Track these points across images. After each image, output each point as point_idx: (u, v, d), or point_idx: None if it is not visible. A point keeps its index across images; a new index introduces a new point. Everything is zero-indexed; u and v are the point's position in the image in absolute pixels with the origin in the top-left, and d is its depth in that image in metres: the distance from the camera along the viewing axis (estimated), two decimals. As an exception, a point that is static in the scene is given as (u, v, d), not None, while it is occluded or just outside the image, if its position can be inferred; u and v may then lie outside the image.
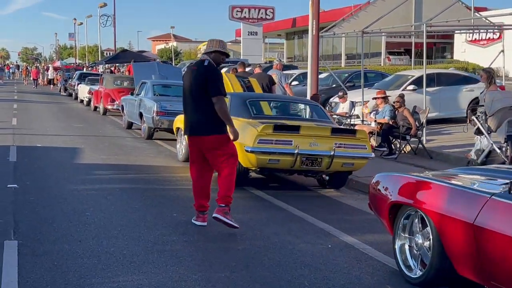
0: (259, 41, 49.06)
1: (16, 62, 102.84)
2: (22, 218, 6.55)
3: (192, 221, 6.51)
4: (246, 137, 8.56)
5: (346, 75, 20.97)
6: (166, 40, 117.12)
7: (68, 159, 11.07)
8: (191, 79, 6.43)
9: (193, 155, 6.60)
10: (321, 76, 24.25)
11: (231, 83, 12.02)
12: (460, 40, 40.37)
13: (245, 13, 47.91)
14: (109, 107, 22.02)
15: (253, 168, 8.80)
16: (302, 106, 10.65)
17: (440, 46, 45.73)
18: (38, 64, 71.95)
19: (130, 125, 17.38)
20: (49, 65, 51.63)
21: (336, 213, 7.74)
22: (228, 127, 6.36)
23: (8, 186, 8.21)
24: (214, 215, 6.26)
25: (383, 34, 21.99)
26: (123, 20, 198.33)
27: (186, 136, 6.77)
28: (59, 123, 18.50)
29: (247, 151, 8.42)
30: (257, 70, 17.99)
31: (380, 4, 18.67)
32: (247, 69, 19.19)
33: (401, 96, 12.98)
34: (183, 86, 6.58)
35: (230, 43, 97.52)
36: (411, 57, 45.21)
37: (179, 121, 12.02)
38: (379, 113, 12.51)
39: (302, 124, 8.89)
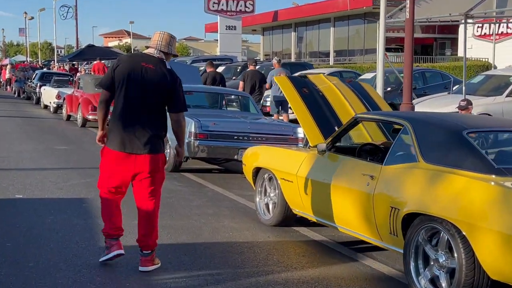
0: (238, 36, 44.45)
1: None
2: None
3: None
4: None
5: (402, 75, 16.21)
6: (119, 37, 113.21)
7: (82, 236, 6.01)
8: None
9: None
10: (365, 76, 19.75)
11: (345, 98, 7.29)
12: (462, 34, 36.38)
13: (222, 5, 43.26)
14: (90, 117, 16.96)
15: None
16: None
17: (439, 42, 41.71)
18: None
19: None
20: (7, 64, 45.48)
21: None
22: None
23: None
24: (141, 269, 4.98)
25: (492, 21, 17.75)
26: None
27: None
28: (34, 143, 13.29)
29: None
30: (251, 67, 15.44)
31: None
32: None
33: None
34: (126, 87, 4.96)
35: (184, 40, 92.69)
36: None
37: (260, 156, 7.30)
38: None
39: None
